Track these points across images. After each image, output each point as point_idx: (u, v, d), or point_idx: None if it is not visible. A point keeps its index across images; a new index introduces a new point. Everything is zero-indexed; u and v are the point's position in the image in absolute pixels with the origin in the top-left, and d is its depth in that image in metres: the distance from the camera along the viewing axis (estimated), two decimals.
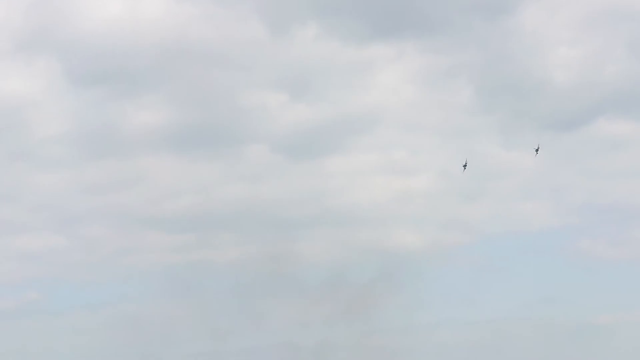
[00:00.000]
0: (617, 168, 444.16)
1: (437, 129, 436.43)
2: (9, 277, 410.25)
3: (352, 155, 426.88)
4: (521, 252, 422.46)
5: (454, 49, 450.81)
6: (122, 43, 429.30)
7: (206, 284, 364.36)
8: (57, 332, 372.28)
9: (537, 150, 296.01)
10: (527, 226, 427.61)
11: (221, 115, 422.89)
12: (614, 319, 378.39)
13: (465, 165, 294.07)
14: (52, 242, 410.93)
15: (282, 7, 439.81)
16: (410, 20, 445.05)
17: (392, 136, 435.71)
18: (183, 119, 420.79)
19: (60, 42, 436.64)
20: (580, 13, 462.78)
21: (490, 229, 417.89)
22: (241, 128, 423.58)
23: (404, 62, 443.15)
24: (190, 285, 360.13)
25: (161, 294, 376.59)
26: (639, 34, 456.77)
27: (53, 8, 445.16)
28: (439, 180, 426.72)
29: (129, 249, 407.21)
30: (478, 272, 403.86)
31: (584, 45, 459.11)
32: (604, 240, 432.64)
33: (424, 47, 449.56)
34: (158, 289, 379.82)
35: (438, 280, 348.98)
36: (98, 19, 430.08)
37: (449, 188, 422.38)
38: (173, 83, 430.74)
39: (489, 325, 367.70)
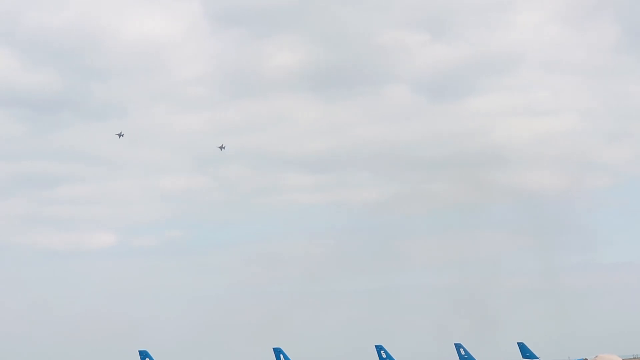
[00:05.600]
0: None
1: (579, 69, 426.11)
2: (152, 216, 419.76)
3: (493, 95, 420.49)
4: None
5: None
6: None
7: (344, 223, 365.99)
8: (197, 269, 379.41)
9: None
10: None
11: (359, 56, 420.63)
12: None
13: None
14: (193, 182, 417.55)
15: None
16: None
17: (534, 76, 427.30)
18: (321, 59, 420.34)
19: None
20: None
21: (633, 171, 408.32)
22: (380, 68, 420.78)
23: (547, 0, 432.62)
24: (329, 225, 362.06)
25: (300, 232, 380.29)
26: None
27: None
28: (581, 120, 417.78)
29: (268, 188, 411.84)
30: (619, 214, 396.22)
31: None
32: None
33: None
34: (297, 228, 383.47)
35: (578, 222, 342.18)
36: None
37: (591, 129, 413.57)
38: (311, 23, 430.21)
39: (629, 268, 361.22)
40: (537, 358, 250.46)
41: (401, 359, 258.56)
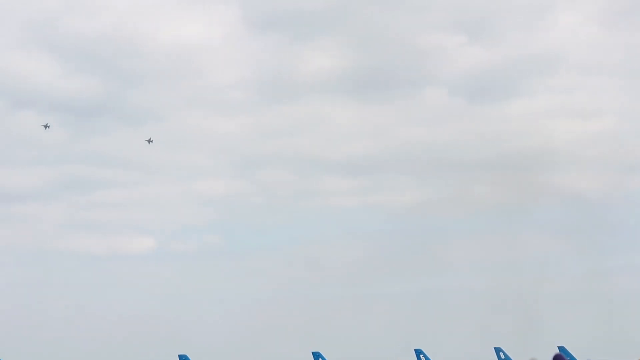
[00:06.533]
0: None
1: (620, 70, 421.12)
2: (190, 220, 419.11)
3: (533, 97, 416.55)
4: None
5: None
6: None
7: (384, 226, 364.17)
8: (237, 274, 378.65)
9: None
10: None
11: (397, 58, 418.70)
12: None
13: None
14: (232, 186, 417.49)
15: None
16: None
17: (573, 78, 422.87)
18: (358, 62, 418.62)
19: None
20: None
21: None
22: (418, 70, 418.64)
23: (586, 0, 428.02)
24: (369, 228, 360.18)
25: (339, 236, 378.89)
26: None
27: None
28: (622, 122, 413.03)
29: (306, 192, 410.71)
30: None
31: None
32: None
33: None
34: (336, 231, 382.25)
35: (620, 226, 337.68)
36: None
37: (632, 130, 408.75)
38: (348, 26, 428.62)
39: None
40: None
41: None
